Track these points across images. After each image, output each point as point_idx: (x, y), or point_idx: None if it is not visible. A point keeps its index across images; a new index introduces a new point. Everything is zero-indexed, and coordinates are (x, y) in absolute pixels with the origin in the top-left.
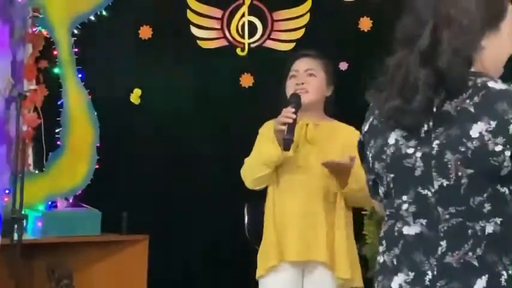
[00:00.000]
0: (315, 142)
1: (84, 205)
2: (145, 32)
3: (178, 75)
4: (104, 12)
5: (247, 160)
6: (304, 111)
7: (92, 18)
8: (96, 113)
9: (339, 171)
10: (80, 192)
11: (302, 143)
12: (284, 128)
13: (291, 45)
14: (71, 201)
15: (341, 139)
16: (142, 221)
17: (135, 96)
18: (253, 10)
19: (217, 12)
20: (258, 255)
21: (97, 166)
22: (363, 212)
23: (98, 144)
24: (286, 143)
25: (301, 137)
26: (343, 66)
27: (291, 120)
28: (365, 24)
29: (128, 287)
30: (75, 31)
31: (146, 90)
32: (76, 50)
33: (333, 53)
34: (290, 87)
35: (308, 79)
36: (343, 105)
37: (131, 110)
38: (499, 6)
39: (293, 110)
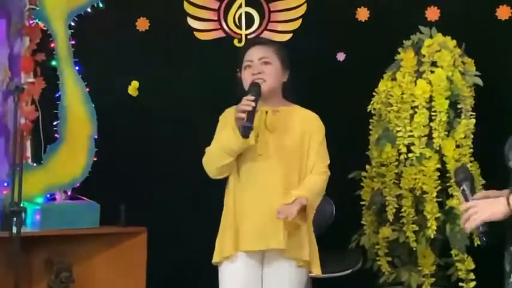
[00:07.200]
0: (274, 129)
1: (83, 198)
2: (143, 24)
3: (175, 66)
4: (101, 4)
5: (208, 149)
6: (264, 99)
7: (89, 10)
8: (93, 105)
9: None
10: (78, 184)
11: (262, 131)
12: (244, 115)
13: (288, 36)
14: (69, 193)
15: (300, 124)
16: (141, 213)
17: (133, 88)
18: (250, 1)
19: (214, 3)
20: (216, 241)
21: (95, 158)
22: (361, 203)
23: (96, 137)
24: (244, 130)
25: (261, 125)
26: (341, 56)
27: (250, 108)
28: (363, 14)
29: (128, 279)
30: (72, 23)
31: (144, 82)
32: (73, 42)
33: (330, 43)
34: (247, 78)
35: (263, 68)
36: (340, 95)
37: (129, 102)
38: None
39: (253, 98)
